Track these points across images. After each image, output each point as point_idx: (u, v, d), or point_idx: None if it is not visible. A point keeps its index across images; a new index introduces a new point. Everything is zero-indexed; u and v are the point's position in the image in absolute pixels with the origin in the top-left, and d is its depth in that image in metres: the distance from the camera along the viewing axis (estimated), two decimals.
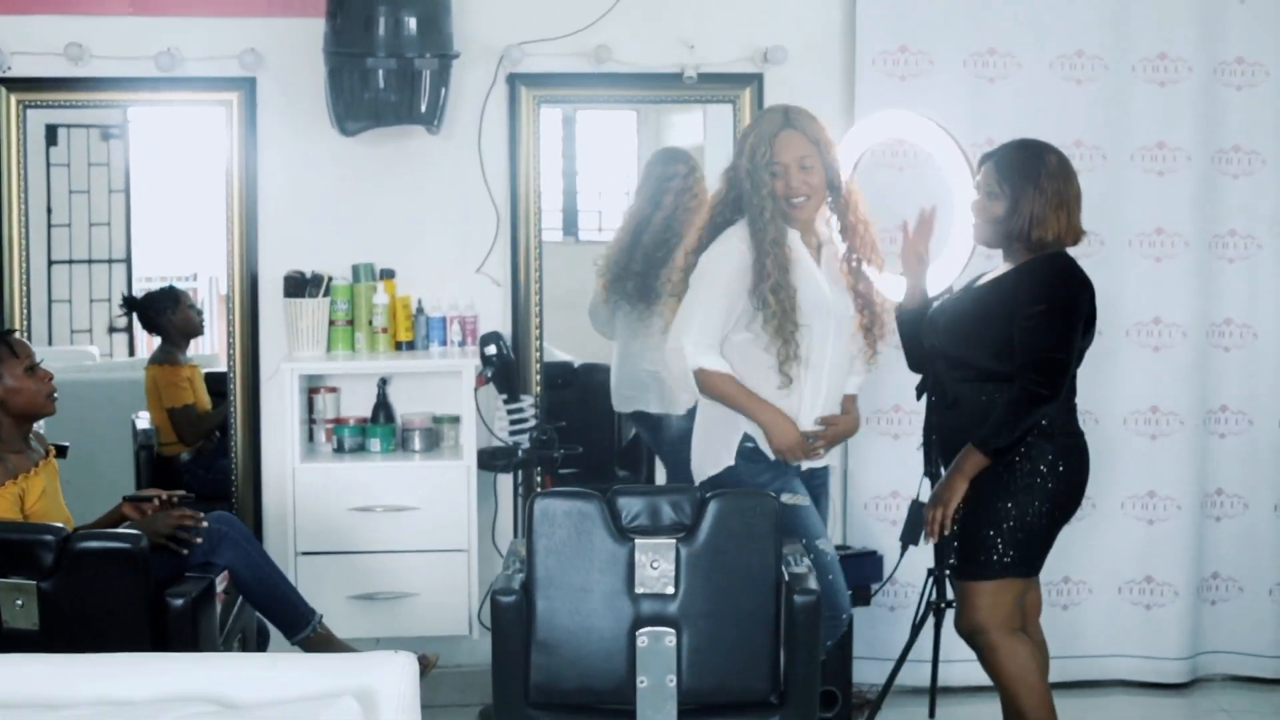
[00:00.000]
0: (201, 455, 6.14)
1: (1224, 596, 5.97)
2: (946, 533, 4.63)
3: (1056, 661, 5.77)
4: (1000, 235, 4.61)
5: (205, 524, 4.84)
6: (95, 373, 6.65)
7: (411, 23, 5.30)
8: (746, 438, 4.68)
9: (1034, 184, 4.52)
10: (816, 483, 4.86)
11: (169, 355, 6.21)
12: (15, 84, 5.62)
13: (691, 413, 4.93)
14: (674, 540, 4.18)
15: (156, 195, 6.68)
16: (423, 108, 5.40)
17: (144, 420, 6.19)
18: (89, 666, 3.36)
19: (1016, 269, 4.58)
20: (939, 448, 4.78)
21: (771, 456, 4.67)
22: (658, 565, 4.17)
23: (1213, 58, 5.77)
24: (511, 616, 4.18)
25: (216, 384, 6.20)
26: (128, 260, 6.59)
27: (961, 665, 5.47)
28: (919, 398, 4.91)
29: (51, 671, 3.31)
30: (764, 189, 4.61)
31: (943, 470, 4.70)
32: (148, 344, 6.49)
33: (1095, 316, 4.60)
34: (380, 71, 5.29)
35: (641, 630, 4.17)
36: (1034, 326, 4.45)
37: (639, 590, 4.18)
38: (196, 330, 6.30)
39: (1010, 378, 4.47)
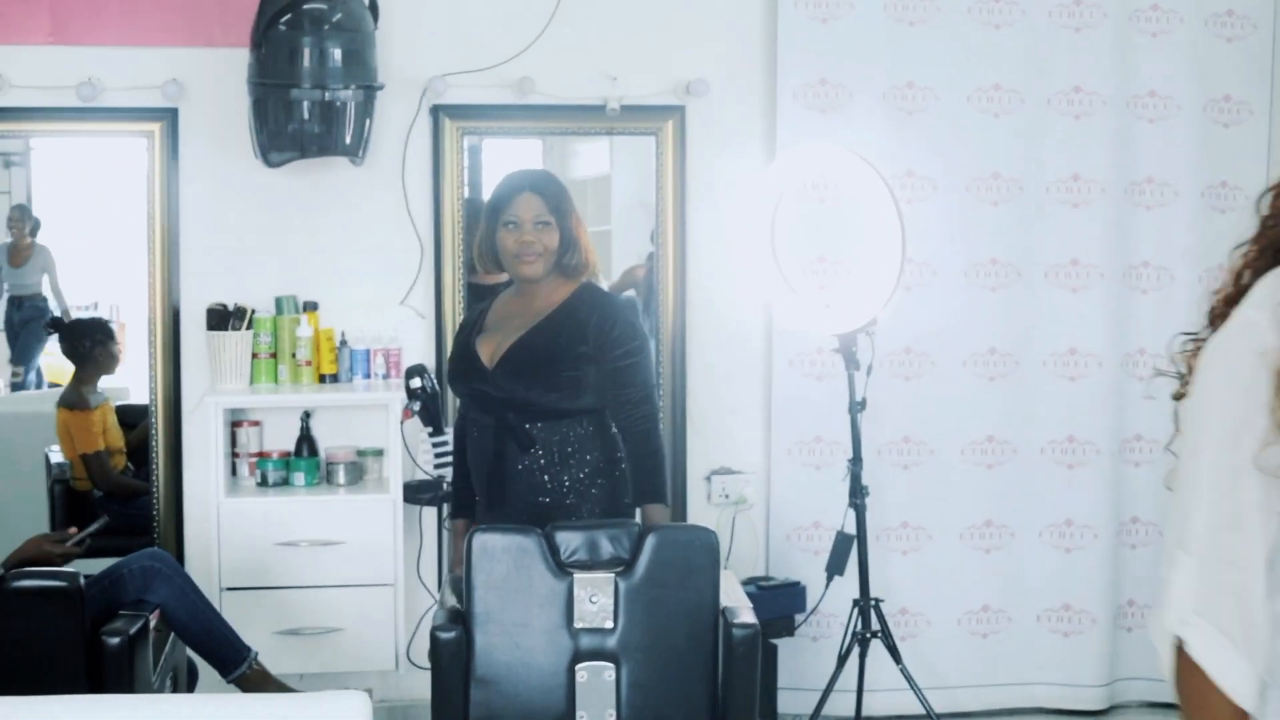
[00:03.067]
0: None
1: (1140, 623, 6.01)
2: None
3: (976, 690, 5.87)
4: (552, 265, 4.60)
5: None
6: (5, 405, 6.56)
7: (336, 54, 5.27)
8: None
9: (574, 211, 4.61)
10: None
11: (80, 399, 6.07)
12: None
13: None
14: (613, 574, 4.20)
15: (61, 224, 6.60)
16: (347, 139, 5.37)
17: (57, 454, 6.11)
18: (31, 709, 3.30)
19: (575, 301, 4.60)
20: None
21: None
22: (596, 600, 4.18)
23: (1126, 91, 5.85)
24: (451, 652, 4.17)
25: (129, 416, 6.15)
26: None
27: (885, 695, 5.54)
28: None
29: None
30: None
31: None
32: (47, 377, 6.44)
33: None
34: (305, 103, 5.26)
35: (581, 665, 4.17)
36: (638, 363, 4.55)
37: (578, 625, 4.18)
38: (112, 370, 6.22)
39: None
